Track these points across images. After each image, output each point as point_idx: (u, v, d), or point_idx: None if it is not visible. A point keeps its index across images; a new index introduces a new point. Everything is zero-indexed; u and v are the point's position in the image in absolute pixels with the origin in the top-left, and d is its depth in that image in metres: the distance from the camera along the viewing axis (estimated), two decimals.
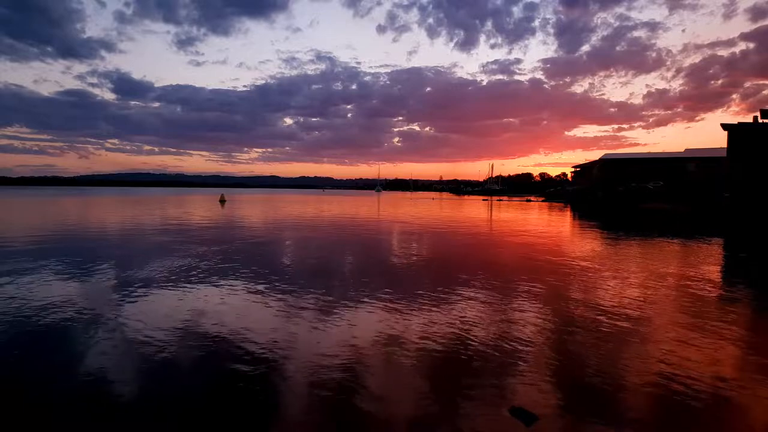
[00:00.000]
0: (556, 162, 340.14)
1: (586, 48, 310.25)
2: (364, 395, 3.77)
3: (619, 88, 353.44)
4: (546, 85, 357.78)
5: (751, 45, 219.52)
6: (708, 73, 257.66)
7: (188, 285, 7.70)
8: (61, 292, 7.06)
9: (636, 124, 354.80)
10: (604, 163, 66.47)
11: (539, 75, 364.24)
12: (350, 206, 42.28)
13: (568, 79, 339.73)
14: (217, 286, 7.69)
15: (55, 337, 5.08)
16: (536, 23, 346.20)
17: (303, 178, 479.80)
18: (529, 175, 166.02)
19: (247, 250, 12.05)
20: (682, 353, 4.78)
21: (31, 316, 5.83)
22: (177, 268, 9.24)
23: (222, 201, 46.28)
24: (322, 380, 4.04)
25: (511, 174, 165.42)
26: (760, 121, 35.53)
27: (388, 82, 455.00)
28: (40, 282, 7.77)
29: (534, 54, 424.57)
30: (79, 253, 11.13)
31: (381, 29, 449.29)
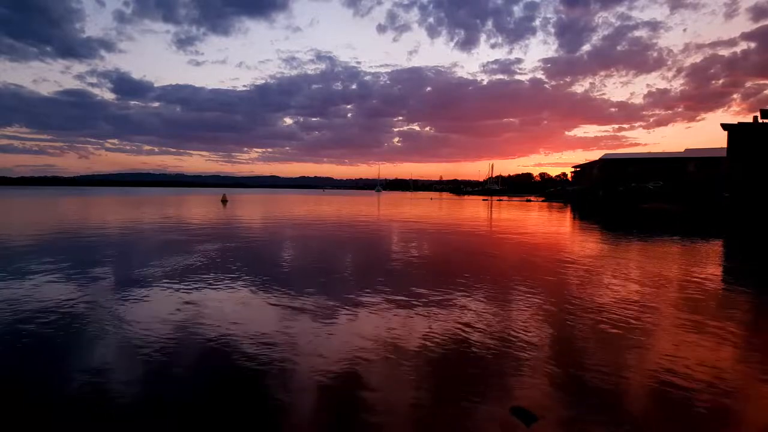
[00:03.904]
0: (556, 162, 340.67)
1: (586, 48, 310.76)
2: (364, 394, 3.77)
3: (619, 87, 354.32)
4: (546, 85, 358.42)
5: (753, 45, 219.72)
6: (709, 72, 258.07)
7: (192, 284, 7.70)
8: (72, 291, 7.06)
9: (636, 124, 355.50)
10: (604, 163, 66.47)
11: (540, 75, 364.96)
12: (351, 206, 42.29)
13: (568, 79, 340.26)
14: (222, 285, 7.69)
15: (58, 336, 5.08)
16: (537, 23, 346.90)
17: (303, 178, 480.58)
18: (529, 175, 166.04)
19: (251, 250, 12.06)
20: (682, 353, 4.78)
21: (35, 313, 5.83)
22: (182, 267, 9.24)
23: (224, 201, 46.23)
24: (322, 379, 4.04)
25: (511, 174, 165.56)
26: (760, 121, 35.55)
27: (388, 82, 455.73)
28: (46, 281, 7.77)
29: (534, 54, 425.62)
30: (88, 253, 11.14)
31: (381, 29, 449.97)
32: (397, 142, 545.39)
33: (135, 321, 5.66)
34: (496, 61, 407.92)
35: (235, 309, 6.31)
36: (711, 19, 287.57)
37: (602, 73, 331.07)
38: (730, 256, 12.85)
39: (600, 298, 7.16)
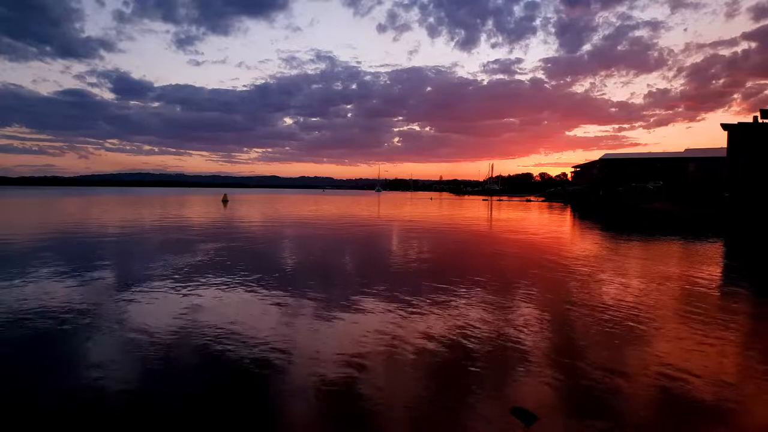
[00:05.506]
0: (556, 162, 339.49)
1: (587, 47, 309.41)
2: (365, 395, 3.79)
3: (620, 87, 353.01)
4: (547, 85, 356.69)
5: (753, 44, 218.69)
6: (709, 72, 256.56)
7: (194, 283, 7.72)
8: (74, 291, 7.09)
9: (637, 124, 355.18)
10: (604, 163, 66.53)
11: (540, 74, 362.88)
12: (352, 206, 42.32)
13: (569, 79, 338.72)
14: (223, 284, 7.71)
15: (60, 335, 5.09)
16: (537, 22, 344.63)
17: (303, 178, 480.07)
18: (529, 175, 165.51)
19: (253, 250, 12.09)
20: (683, 353, 4.80)
21: (37, 312, 5.86)
22: (184, 266, 9.26)
23: (224, 201, 46.16)
24: (322, 379, 4.06)
25: (511, 174, 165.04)
26: (760, 121, 35.56)
27: (388, 82, 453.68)
28: (49, 281, 7.79)
29: (535, 53, 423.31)
30: (90, 252, 11.16)
31: (381, 28, 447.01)
32: (397, 142, 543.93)
33: (136, 319, 5.68)
34: (496, 61, 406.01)
35: (236, 308, 6.32)
36: (712, 18, 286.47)
37: (603, 72, 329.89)
38: (730, 257, 12.87)
39: (600, 298, 7.18)
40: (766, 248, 15.09)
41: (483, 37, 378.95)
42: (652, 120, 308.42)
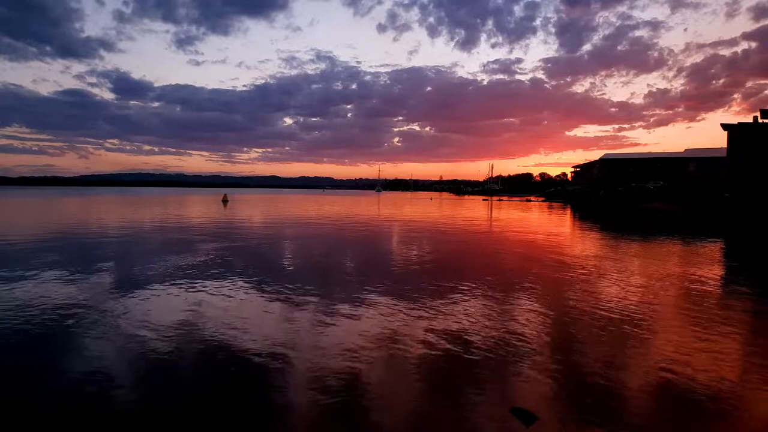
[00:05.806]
0: (557, 162, 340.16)
1: (587, 47, 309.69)
2: (364, 394, 3.79)
3: (620, 87, 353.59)
4: (547, 85, 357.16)
5: (753, 44, 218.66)
6: (710, 72, 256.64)
7: (195, 283, 7.72)
8: (75, 290, 7.09)
9: (637, 124, 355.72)
10: (604, 163, 66.52)
11: (540, 74, 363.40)
12: (352, 206, 42.32)
13: (569, 79, 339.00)
14: (224, 284, 7.72)
15: (60, 334, 5.10)
16: (537, 22, 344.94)
17: (303, 178, 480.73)
18: (529, 175, 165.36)
19: (253, 250, 12.09)
20: (683, 353, 4.80)
21: (38, 312, 5.86)
22: (184, 266, 9.27)
23: (224, 201, 46.11)
24: (322, 379, 4.06)
25: (511, 174, 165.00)
26: (760, 121, 35.56)
27: (388, 82, 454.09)
28: (51, 280, 7.79)
29: (535, 53, 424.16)
30: (92, 252, 11.16)
31: (381, 28, 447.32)
32: (397, 142, 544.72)
33: (139, 318, 5.68)
34: (496, 61, 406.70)
35: (237, 307, 6.33)
36: (712, 18, 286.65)
37: (603, 72, 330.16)
38: (730, 256, 12.87)
39: (600, 298, 7.18)
40: (766, 248, 15.09)
41: (483, 37, 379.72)
42: (652, 120, 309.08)
